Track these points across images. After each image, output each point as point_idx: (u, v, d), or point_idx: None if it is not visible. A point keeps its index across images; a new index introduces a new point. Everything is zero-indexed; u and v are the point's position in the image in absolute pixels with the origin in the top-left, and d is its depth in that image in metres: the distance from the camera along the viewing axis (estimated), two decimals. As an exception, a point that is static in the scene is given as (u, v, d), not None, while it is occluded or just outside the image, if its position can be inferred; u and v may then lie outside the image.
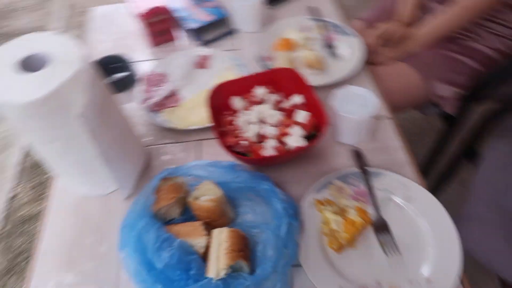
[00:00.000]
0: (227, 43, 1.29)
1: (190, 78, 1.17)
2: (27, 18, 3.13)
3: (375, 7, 1.54)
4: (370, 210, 0.84)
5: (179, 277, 0.71)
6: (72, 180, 0.87)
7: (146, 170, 0.96)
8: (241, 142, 0.90)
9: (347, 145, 0.97)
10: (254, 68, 1.17)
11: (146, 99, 1.09)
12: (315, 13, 1.31)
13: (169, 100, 1.11)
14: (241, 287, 0.69)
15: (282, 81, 1.00)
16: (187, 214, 0.84)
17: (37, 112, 0.69)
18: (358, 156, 0.92)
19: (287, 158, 0.89)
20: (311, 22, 1.29)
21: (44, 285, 0.80)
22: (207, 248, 0.76)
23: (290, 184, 0.91)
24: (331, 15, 1.33)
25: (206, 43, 1.28)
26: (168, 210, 0.83)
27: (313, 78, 1.09)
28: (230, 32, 1.31)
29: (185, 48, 1.26)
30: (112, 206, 0.90)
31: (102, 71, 1.11)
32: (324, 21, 1.28)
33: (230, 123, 0.94)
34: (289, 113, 0.95)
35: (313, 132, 0.91)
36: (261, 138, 0.91)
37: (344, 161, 0.94)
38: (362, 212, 0.83)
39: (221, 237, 0.75)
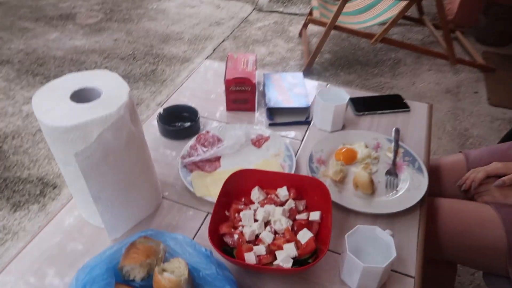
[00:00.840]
0: (293, 131, 1.27)
1: (239, 151, 1.18)
2: (183, 48, 3.62)
3: (487, 148, 1.35)
4: None
5: None
6: (76, 201, 0.94)
7: (150, 219, 0.99)
8: (234, 235, 0.85)
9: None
10: (301, 166, 1.13)
11: (187, 155, 1.13)
12: (397, 135, 1.21)
13: (207, 164, 1.13)
14: None
15: (308, 190, 0.94)
16: (149, 282, 0.82)
17: (62, 137, 0.77)
18: None
19: (266, 271, 0.81)
20: (387, 141, 1.19)
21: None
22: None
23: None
24: (415, 146, 1.21)
25: (276, 125, 1.28)
26: (131, 270, 0.82)
27: (354, 200, 1.00)
28: (303, 123, 1.29)
29: (253, 122, 1.29)
30: (101, 240, 0.94)
31: (170, 117, 1.22)
32: (402, 147, 1.17)
33: (237, 211, 0.91)
34: (299, 226, 0.87)
35: (309, 256, 0.81)
36: (256, 239, 0.85)
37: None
38: None
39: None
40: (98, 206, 0.84)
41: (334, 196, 1.00)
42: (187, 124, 1.24)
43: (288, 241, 0.83)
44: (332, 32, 3.03)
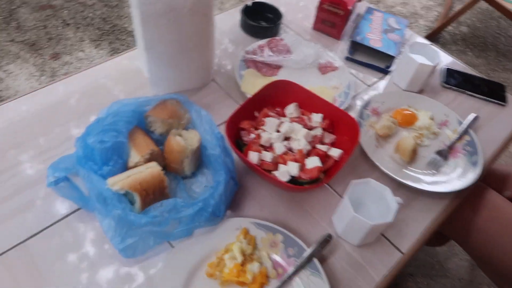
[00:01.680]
0: (366, 74, 1.19)
1: (302, 69, 1.15)
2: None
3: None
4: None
5: (95, 161, 0.78)
6: (137, 48, 1.02)
7: (193, 92, 1.04)
8: (251, 133, 0.87)
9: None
10: (353, 108, 1.08)
11: (252, 52, 1.13)
12: (473, 122, 1.07)
13: (266, 68, 1.12)
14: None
15: (342, 128, 0.90)
16: (164, 138, 0.88)
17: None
18: (325, 242, 0.79)
19: (261, 174, 0.83)
20: (457, 123, 1.07)
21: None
22: (134, 166, 0.81)
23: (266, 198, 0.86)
24: (486, 143, 1.07)
25: (354, 61, 1.21)
26: (153, 122, 0.89)
27: (386, 159, 0.95)
28: (381, 70, 1.20)
29: (329, 47, 1.23)
30: (144, 90, 1.02)
31: (255, 12, 1.21)
32: (470, 136, 1.04)
33: (266, 116, 0.92)
34: (314, 154, 0.86)
35: (308, 181, 0.81)
36: (268, 147, 0.87)
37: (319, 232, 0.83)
38: (260, 277, 0.74)
39: (147, 168, 0.78)
40: (148, 56, 0.90)
41: (368, 148, 0.95)
42: (267, 24, 1.22)
43: (295, 160, 0.83)
44: (484, 5, 2.61)
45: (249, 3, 1.25)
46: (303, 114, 0.94)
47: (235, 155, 0.84)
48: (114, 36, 2.53)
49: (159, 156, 0.85)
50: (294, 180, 0.81)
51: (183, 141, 0.84)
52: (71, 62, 2.37)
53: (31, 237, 0.76)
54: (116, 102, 0.87)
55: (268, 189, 0.88)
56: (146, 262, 0.75)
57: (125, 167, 0.82)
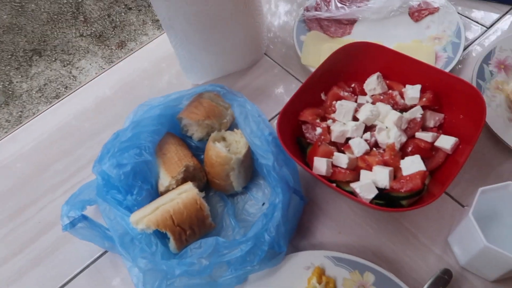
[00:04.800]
0: (482, 10, 0.83)
1: (385, 19, 0.84)
2: None
3: None
4: None
5: (118, 189, 0.61)
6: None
7: (241, 74, 0.81)
8: (317, 127, 0.62)
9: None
10: (467, 66, 0.75)
11: (313, 7, 0.85)
12: None
13: (335, 26, 0.84)
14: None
15: (454, 101, 0.60)
16: (205, 146, 0.68)
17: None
18: (441, 282, 0.53)
19: (335, 190, 0.58)
20: None
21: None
22: (166, 191, 0.62)
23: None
24: None
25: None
26: (189, 125, 0.69)
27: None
28: (506, 1, 0.83)
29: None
30: (181, 82, 0.82)
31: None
32: None
33: (337, 98, 0.65)
34: (413, 148, 0.58)
35: (406, 196, 0.54)
36: (344, 144, 0.61)
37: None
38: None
39: (180, 193, 0.59)
40: (170, 37, 0.69)
41: (496, 125, 0.63)
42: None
43: (385, 163, 0.56)
44: None
45: None
46: (391, 89, 0.65)
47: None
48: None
49: (199, 171, 0.65)
50: (385, 194, 0.55)
51: (224, 150, 0.62)
52: (136, 48, 2.29)
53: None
54: (142, 105, 0.68)
55: (348, 202, 0.63)
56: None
57: (156, 193, 0.63)
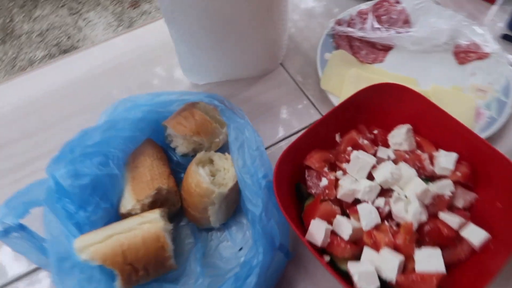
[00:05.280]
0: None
1: (426, 54, 0.72)
2: None
3: None
4: None
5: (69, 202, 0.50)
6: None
7: (250, 83, 0.70)
8: (323, 176, 0.51)
9: None
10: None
11: (346, 22, 0.73)
12: None
13: (367, 49, 0.72)
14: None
15: (495, 182, 0.49)
16: (189, 161, 0.57)
17: None
18: None
19: (326, 268, 0.47)
20: None
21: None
22: (127, 214, 0.51)
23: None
24: None
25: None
26: (174, 137, 0.58)
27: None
28: None
29: (477, 19, 0.76)
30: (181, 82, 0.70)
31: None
32: None
33: (353, 144, 0.54)
34: (431, 235, 0.47)
35: None
36: (351, 205, 0.50)
37: None
38: None
39: (141, 223, 0.48)
40: (172, 31, 0.57)
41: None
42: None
43: (396, 247, 0.45)
44: None
45: None
46: (420, 148, 0.54)
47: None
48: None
49: (173, 195, 0.54)
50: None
51: (207, 179, 0.52)
52: (149, 11, 2.14)
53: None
54: (125, 101, 0.57)
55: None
56: None
57: (116, 213, 0.53)
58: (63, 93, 0.71)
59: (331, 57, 0.70)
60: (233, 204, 0.56)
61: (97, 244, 0.46)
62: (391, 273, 0.43)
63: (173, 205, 0.55)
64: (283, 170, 0.49)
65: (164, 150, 0.59)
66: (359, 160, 0.51)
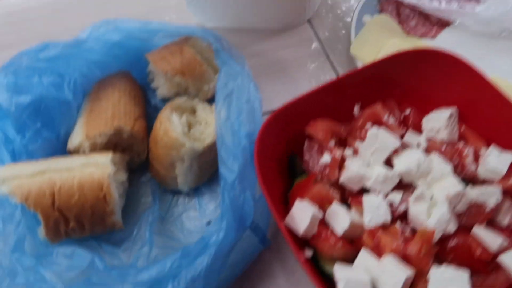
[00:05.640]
0: None
1: (489, 38, 0.57)
2: None
3: None
4: None
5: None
6: None
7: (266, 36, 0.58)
8: (326, 151, 0.39)
9: None
10: None
11: None
12: None
13: (420, 21, 0.58)
14: None
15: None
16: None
17: None
18: None
19: (307, 271, 0.35)
20: None
21: None
22: (75, 151, 0.41)
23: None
24: None
25: None
26: (155, 74, 0.47)
27: None
28: None
29: None
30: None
31: None
32: None
33: (374, 118, 0.41)
34: (458, 252, 0.34)
35: None
36: (356, 196, 0.38)
37: None
38: None
39: (84, 166, 0.38)
40: None
41: None
42: None
43: (405, 257, 0.33)
44: None
45: None
46: (464, 139, 0.41)
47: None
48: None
49: (139, 143, 0.44)
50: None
51: (179, 128, 0.41)
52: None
53: None
54: (108, 22, 0.47)
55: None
56: None
57: (63, 148, 0.43)
58: (53, 8, 0.62)
59: (370, 22, 0.56)
60: (210, 168, 0.45)
61: (24, 178, 0.37)
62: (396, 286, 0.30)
63: (137, 155, 0.44)
64: (273, 132, 0.37)
65: (142, 89, 0.49)
66: (377, 139, 0.38)
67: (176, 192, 0.45)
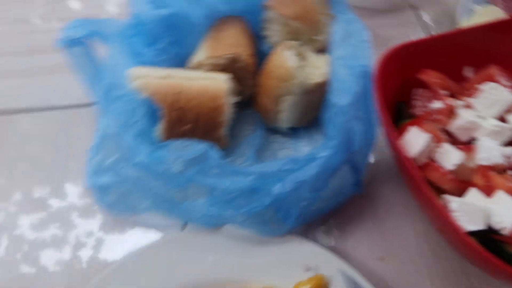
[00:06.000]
0: None
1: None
2: None
3: None
4: None
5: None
6: None
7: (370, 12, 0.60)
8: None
9: None
10: None
11: None
12: None
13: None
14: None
15: None
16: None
17: None
18: None
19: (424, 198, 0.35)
20: None
21: None
22: (195, 68, 0.45)
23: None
24: None
25: None
26: (272, 20, 0.50)
27: None
28: None
29: None
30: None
31: None
32: None
33: (490, 78, 0.42)
34: None
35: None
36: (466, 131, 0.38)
37: None
38: None
39: (205, 79, 0.41)
40: None
41: None
42: None
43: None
44: None
45: None
46: None
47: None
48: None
49: (249, 75, 0.47)
50: (490, 240, 0.31)
51: (294, 61, 0.43)
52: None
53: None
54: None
55: (419, 226, 0.41)
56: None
57: (184, 64, 0.46)
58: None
59: (479, 11, 0.57)
60: (311, 110, 0.46)
61: (153, 78, 0.40)
62: (506, 221, 0.30)
63: (244, 87, 0.47)
64: (390, 68, 0.38)
65: (253, 36, 0.52)
66: (493, 92, 0.38)
67: (275, 131, 0.47)
